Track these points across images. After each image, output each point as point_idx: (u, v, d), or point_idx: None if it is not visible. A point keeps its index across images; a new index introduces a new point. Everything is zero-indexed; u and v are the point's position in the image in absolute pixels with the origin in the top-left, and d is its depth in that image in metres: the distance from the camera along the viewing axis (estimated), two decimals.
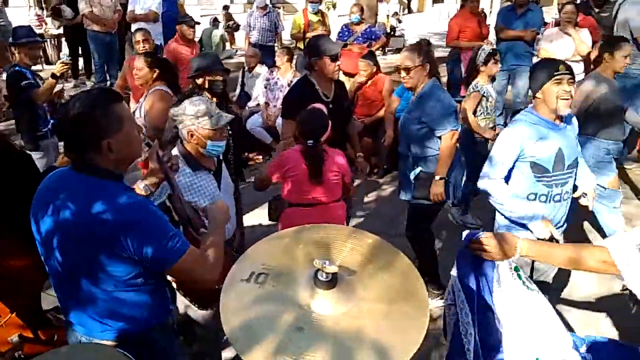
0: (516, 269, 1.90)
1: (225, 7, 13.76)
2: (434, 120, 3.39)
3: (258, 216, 4.60)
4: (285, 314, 1.47)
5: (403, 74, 3.47)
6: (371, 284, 1.57)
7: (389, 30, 14.55)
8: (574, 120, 2.97)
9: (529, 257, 1.87)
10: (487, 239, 1.86)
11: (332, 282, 1.50)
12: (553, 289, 3.18)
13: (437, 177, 3.42)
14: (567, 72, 2.66)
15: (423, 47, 3.48)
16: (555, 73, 2.65)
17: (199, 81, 3.36)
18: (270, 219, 3.46)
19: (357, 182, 4.98)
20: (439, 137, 3.43)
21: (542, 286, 2.42)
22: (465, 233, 1.92)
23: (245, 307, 1.50)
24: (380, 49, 9.35)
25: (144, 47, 5.08)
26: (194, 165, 2.63)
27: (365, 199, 5.41)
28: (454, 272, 2.01)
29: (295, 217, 3.15)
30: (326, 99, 3.66)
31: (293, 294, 1.52)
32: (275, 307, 1.50)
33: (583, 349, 1.88)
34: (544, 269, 2.87)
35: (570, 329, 2.42)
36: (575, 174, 2.91)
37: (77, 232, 1.68)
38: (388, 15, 15.60)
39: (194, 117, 2.57)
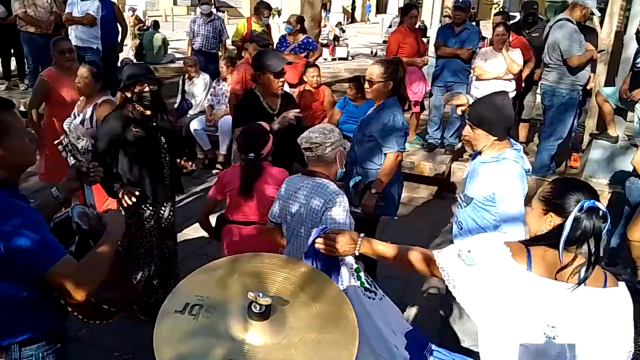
0: (357, 270, 2.04)
1: (132, 10, 13.53)
2: (384, 137, 3.51)
3: (196, 229, 4.59)
4: (218, 346, 1.50)
5: (366, 84, 3.57)
6: (303, 314, 1.61)
7: (332, 39, 14.72)
8: None
9: (367, 253, 2.02)
10: (332, 235, 1.99)
11: (265, 313, 1.54)
12: None
13: (372, 190, 3.51)
14: (467, 117, 2.73)
15: (391, 65, 3.56)
16: (466, 115, 2.77)
17: (128, 93, 3.30)
18: (216, 238, 3.41)
19: None
20: (385, 154, 3.55)
21: None
22: (314, 231, 2.04)
23: (179, 339, 1.52)
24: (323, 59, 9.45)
25: (69, 57, 4.71)
26: None
27: None
28: None
29: (230, 234, 3.18)
30: (271, 112, 3.71)
31: (226, 326, 1.55)
32: (209, 339, 1.52)
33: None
34: None
35: None
36: (468, 214, 2.85)
37: None
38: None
39: None
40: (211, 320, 1.57)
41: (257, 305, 1.52)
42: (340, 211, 2.54)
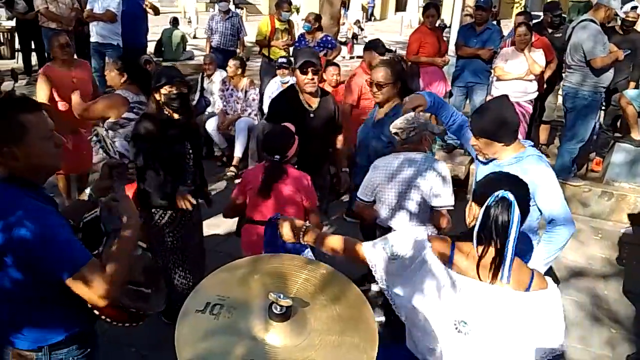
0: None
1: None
2: None
3: (212, 226, 4.60)
4: (238, 346, 1.50)
5: (375, 88, 3.54)
6: (323, 316, 1.60)
7: (351, 37, 14.70)
8: None
9: (309, 242, 2.11)
10: (282, 222, 2.12)
11: (286, 314, 1.54)
12: None
13: None
14: (469, 127, 2.75)
15: (396, 65, 3.57)
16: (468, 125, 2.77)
17: (157, 95, 3.28)
18: (236, 234, 3.44)
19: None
20: None
21: None
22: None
23: (200, 338, 1.51)
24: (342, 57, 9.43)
25: (68, 51, 4.70)
26: None
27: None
28: None
29: (248, 233, 3.19)
30: (309, 108, 3.70)
31: (247, 326, 1.55)
32: (229, 339, 1.52)
33: None
34: None
35: None
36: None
37: None
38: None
39: None
40: (232, 320, 1.56)
41: (278, 307, 1.52)
42: (432, 176, 2.98)
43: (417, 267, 1.84)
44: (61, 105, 4.58)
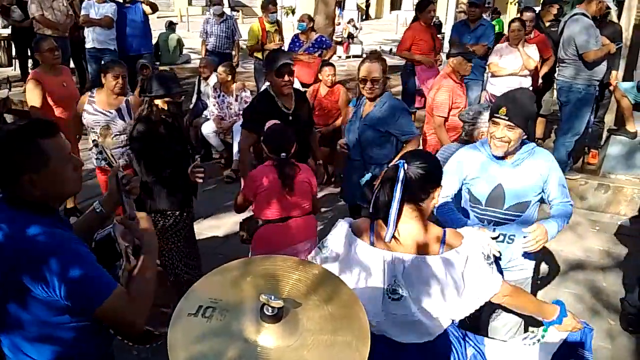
0: None
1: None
2: (402, 130, 3.64)
3: (211, 228, 4.61)
4: (231, 348, 1.50)
5: (369, 84, 3.59)
6: (315, 315, 1.61)
7: (346, 37, 14.69)
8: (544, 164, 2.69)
9: None
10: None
11: (278, 315, 1.54)
12: None
13: None
14: (505, 117, 2.54)
15: (381, 59, 3.65)
16: (495, 115, 2.59)
17: (160, 102, 3.34)
18: (242, 242, 3.46)
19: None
20: (405, 143, 3.69)
21: None
22: None
23: (192, 342, 1.52)
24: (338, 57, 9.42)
25: (58, 55, 4.76)
26: None
27: (323, 208, 5.49)
28: None
29: (269, 234, 3.21)
30: (286, 111, 3.75)
31: (239, 328, 1.55)
32: (222, 341, 1.52)
33: None
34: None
35: None
36: (526, 219, 2.71)
37: None
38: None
39: None
40: (224, 322, 1.57)
41: (270, 308, 1.53)
42: None
43: (346, 253, 2.01)
44: (57, 112, 4.59)
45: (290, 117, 3.73)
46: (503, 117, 2.54)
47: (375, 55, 3.73)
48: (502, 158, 2.67)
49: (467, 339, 2.19)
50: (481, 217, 2.78)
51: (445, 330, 2.05)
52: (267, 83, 6.19)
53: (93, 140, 3.94)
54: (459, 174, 2.82)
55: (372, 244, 1.98)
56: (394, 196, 1.87)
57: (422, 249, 1.94)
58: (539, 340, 2.22)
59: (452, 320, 2.08)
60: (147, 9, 7.73)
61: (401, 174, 1.85)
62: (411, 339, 2.00)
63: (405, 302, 1.94)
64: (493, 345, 2.25)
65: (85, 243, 1.77)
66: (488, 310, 2.79)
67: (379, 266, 1.95)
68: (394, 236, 1.91)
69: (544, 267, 4.58)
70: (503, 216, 2.73)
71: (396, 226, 1.90)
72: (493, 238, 2.52)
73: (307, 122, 4.01)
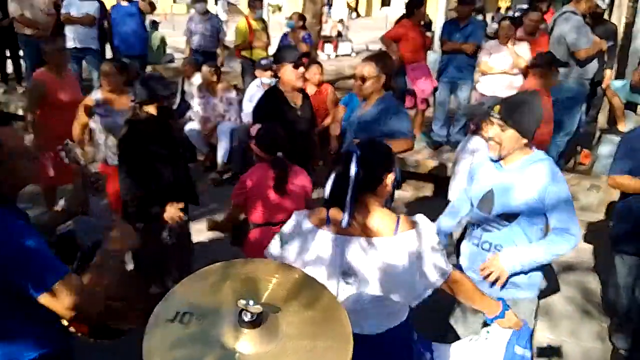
0: None
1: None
2: (392, 129, 3.54)
3: (199, 232, 4.51)
4: (209, 355, 1.42)
5: (358, 82, 3.56)
6: (296, 320, 1.53)
7: (335, 36, 14.67)
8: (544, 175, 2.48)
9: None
10: None
11: (257, 321, 1.46)
12: None
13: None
14: (497, 115, 2.45)
15: (381, 59, 3.59)
16: (490, 113, 2.50)
17: (150, 108, 3.28)
18: (233, 244, 3.39)
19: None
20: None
21: None
22: None
23: (169, 348, 1.44)
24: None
25: (66, 55, 4.73)
26: None
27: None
28: None
29: (263, 237, 3.09)
30: (296, 107, 3.73)
31: (217, 334, 1.47)
32: (200, 348, 1.44)
33: None
34: None
35: None
36: (516, 232, 2.56)
37: None
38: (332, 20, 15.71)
39: None
40: (202, 328, 1.48)
41: (248, 314, 1.44)
42: None
43: (304, 242, 2.05)
44: (57, 113, 4.49)
45: (299, 113, 3.70)
46: (496, 115, 2.45)
47: (373, 55, 3.70)
48: (499, 162, 2.57)
49: (419, 340, 2.22)
50: (472, 219, 2.71)
51: (399, 325, 2.07)
52: (259, 82, 6.24)
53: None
54: (468, 185, 2.80)
55: (328, 230, 2.02)
56: (349, 184, 1.90)
57: (377, 234, 1.99)
58: (486, 339, 2.23)
59: (408, 316, 2.10)
60: (146, 6, 7.59)
61: (354, 162, 1.89)
62: (363, 329, 1.99)
63: (359, 285, 1.98)
64: (441, 349, 2.28)
65: (41, 234, 1.79)
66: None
67: (335, 251, 1.99)
68: (349, 222, 1.95)
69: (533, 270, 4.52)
70: (490, 222, 2.61)
71: (353, 212, 1.93)
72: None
73: (311, 118, 3.99)
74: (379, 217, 2.00)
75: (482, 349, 2.22)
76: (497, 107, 2.44)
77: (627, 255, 3.36)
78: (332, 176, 1.98)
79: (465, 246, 2.79)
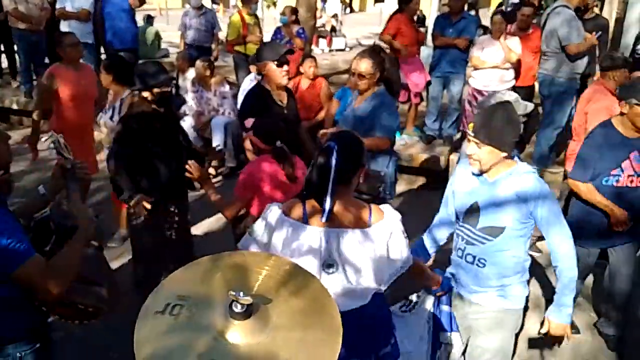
0: None
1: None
2: (380, 124, 3.60)
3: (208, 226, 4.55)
4: (199, 346, 1.45)
5: (354, 78, 3.62)
6: (286, 311, 1.56)
7: (329, 30, 14.64)
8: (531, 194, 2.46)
9: None
10: None
11: (247, 312, 1.49)
12: None
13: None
14: (471, 134, 2.44)
15: (377, 55, 3.62)
16: (470, 132, 2.48)
17: (148, 94, 3.28)
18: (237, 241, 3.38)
19: None
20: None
21: None
22: None
23: (159, 339, 1.46)
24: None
25: (80, 49, 4.70)
26: None
27: None
28: None
29: None
30: (281, 104, 3.73)
31: (208, 325, 1.50)
32: (189, 339, 1.46)
33: None
34: None
35: None
36: (500, 246, 2.53)
37: None
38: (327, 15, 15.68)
39: None
40: (192, 320, 1.51)
41: (239, 305, 1.47)
42: None
43: (280, 235, 2.09)
44: (70, 108, 4.50)
45: (285, 110, 3.72)
46: (470, 133, 2.45)
47: (369, 51, 3.70)
48: (483, 175, 2.55)
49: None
50: (457, 231, 2.71)
51: (376, 292, 2.21)
52: (253, 77, 6.23)
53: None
54: (449, 191, 2.82)
55: (305, 222, 2.08)
56: (329, 177, 1.97)
57: (354, 224, 2.08)
58: (414, 307, 2.66)
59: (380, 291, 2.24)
60: (135, 1, 7.56)
61: (334, 156, 1.96)
62: (347, 305, 2.08)
63: (340, 274, 2.08)
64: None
65: (14, 215, 1.88)
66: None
67: (315, 243, 2.05)
68: (329, 214, 2.02)
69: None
70: (475, 235, 2.58)
71: (332, 205, 2.01)
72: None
73: (297, 116, 4.03)
74: (354, 208, 2.12)
75: (415, 310, 2.58)
76: (471, 125, 2.45)
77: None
78: (310, 169, 2.07)
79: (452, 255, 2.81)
